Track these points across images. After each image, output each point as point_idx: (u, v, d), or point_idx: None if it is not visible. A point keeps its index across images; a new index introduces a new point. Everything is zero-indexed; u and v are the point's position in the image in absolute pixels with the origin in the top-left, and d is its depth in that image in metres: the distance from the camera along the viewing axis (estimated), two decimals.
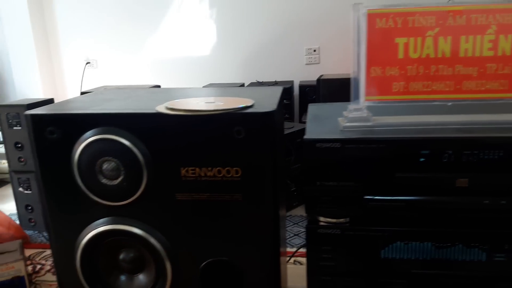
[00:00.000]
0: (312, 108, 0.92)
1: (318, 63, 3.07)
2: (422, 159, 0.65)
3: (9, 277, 1.66)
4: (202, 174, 0.69)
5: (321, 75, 2.76)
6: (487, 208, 0.65)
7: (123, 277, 0.77)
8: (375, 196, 0.67)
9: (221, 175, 0.69)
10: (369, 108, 0.74)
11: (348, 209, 0.69)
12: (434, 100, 0.73)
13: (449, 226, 0.68)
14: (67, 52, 3.27)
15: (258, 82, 2.75)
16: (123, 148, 0.68)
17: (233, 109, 0.67)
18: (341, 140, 0.66)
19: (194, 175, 0.69)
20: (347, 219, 0.71)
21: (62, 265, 0.77)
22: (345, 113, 0.73)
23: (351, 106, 0.73)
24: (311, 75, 2.91)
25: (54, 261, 0.77)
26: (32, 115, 0.71)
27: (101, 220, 0.73)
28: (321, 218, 0.71)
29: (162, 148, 0.69)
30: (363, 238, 0.70)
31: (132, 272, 0.77)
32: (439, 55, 0.71)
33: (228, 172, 0.69)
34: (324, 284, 0.72)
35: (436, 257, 0.69)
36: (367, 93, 0.73)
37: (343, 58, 2.91)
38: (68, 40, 3.24)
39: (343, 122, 0.73)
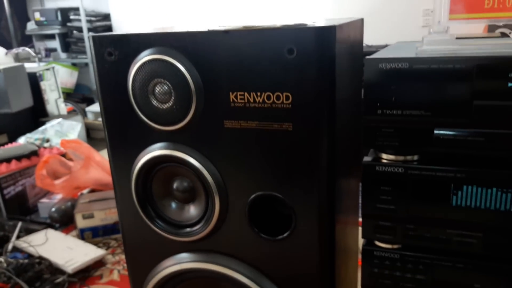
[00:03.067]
0: (399, 43, 0.82)
1: None
2: (511, 84, 0.52)
3: (111, 221, 1.83)
4: (251, 100, 0.64)
5: None
6: None
7: (173, 204, 0.76)
8: (447, 129, 0.56)
9: (270, 101, 0.63)
10: (454, 31, 0.62)
11: (414, 144, 0.58)
12: None
13: None
14: None
15: (367, 45, 2.56)
16: (173, 69, 0.66)
17: (286, 26, 0.60)
18: (409, 59, 0.56)
19: (242, 101, 0.65)
20: (414, 157, 0.61)
21: (120, 188, 0.79)
22: (423, 36, 0.62)
23: (432, 28, 0.62)
24: None
25: (113, 184, 0.79)
26: (93, 37, 0.72)
27: (156, 145, 0.73)
28: (383, 155, 0.62)
29: (211, 70, 0.65)
30: (430, 180, 0.59)
31: (183, 201, 0.76)
32: None
33: (278, 98, 0.63)
34: (381, 231, 0.63)
35: None
36: (452, 11, 0.61)
37: None
38: None
39: (419, 46, 0.62)
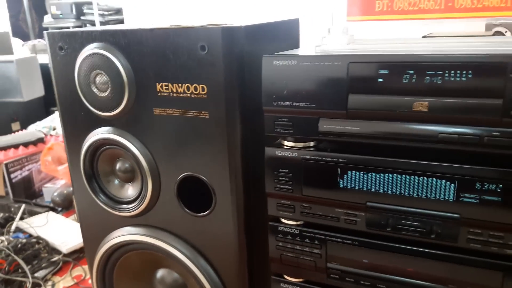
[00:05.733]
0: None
1: None
2: (380, 80, 0.59)
3: None
4: (174, 90, 0.73)
5: None
6: (448, 138, 0.57)
7: (116, 182, 0.86)
8: (329, 120, 0.64)
9: (189, 92, 0.72)
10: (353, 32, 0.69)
11: (304, 133, 0.66)
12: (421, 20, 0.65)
13: (409, 157, 0.61)
14: None
15: None
16: (109, 62, 0.75)
17: (200, 26, 0.69)
18: (296, 57, 0.63)
19: (167, 91, 0.74)
20: (310, 144, 0.68)
21: (73, 166, 0.89)
22: (322, 36, 0.70)
23: (331, 28, 0.69)
24: None
25: (68, 162, 0.89)
26: (48, 33, 0.82)
27: (100, 129, 0.82)
28: (285, 142, 0.70)
29: (141, 63, 0.74)
30: (319, 164, 0.67)
31: (125, 180, 0.85)
32: None
33: (195, 89, 0.71)
34: (282, 208, 0.71)
35: (396, 191, 0.63)
36: (349, 13, 0.68)
37: None
38: None
39: (319, 46, 0.69)
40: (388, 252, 0.66)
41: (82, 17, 3.98)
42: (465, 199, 0.59)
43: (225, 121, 0.71)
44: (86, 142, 0.83)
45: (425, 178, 0.61)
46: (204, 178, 0.76)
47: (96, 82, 0.78)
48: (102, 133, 0.81)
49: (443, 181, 0.60)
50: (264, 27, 0.78)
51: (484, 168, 0.58)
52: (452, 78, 0.55)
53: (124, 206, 0.84)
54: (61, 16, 4.00)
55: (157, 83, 0.74)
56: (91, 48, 0.77)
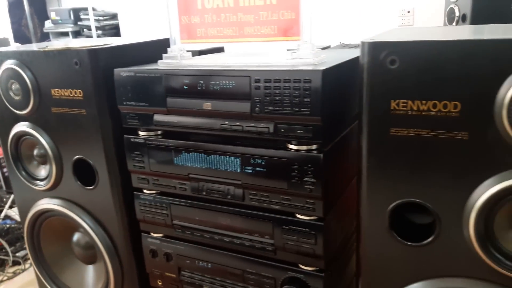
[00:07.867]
0: None
1: (412, 25, 3.00)
2: (185, 87, 0.84)
3: None
4: (62, 94, 0.99)
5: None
6: (225, 127, 0.81)
7: (35, 163, 1.13)
8: (159, 115, 0.88)
9: (72, 95, 0.98)
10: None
11: (147, 124, 0.91)
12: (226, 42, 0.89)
13: (211, 142, 0.86)
14: None
15: (342, 44, 2.68)
16: (18, 74, 1.02)
17: (75, 47, 0.94)
18: (133, 69, 0.88)
19: (58, 94, 1.00)
20: (158, 132, 0.93)
21: (6, 152, 1.16)
22: (164, 55, 0.94)
23: (171, 48, 0.94)
24: None
25: (2, 148, 1.16)
26: None
27: (19, 124, 1.09)
28: (140, 132, 0.95)
29: (41, 75, 1.00)
30: (159, 147, 0.92)
31: (42, 163, 1.12)
32: (225, 5, 0.87)
33: (75, 93, 0.97)
34: (141, 181, 0.97)
35: (205, 166, 0.87)
36: (181, 37, 0.93)
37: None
38: None
39: (160, 61, 0.94)
40: (207, 210, 0.91)
41: (79, 23, 4.29)
42: (245, 170, 0.83)
43: (97, 117, 0.97)
44: (11, 133, 1.10)
45: (222, 156, 0.85)
46: (90, 161, 1.02)
47: (12, 88, 1.04)
48: (20, 126, 1.08)
49: (232, 158, 0.84)
50: (132, 46, 1.04)
51: (255, 148, 0.81)
52: (224, 86, 0.80)
53: (38, 182, 1.11)
54: (60, 21, 4.32)
55: (52, 89, 1.00)
56: (7, 64, 1.03)
